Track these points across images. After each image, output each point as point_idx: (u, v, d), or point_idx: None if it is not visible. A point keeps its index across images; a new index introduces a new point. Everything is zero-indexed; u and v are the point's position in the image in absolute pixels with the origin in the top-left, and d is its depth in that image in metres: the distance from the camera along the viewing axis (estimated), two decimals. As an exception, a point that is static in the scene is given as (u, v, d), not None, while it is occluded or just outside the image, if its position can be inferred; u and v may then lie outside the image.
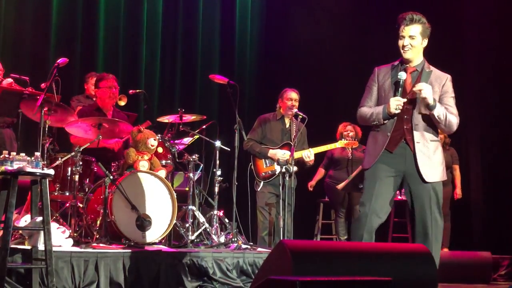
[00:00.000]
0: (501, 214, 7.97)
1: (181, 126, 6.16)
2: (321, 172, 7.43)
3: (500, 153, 8.12)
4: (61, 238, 4.71)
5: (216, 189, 5.98)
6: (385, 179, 4.01)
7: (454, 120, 4.03)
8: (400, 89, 3.96)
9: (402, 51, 4.06)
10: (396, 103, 3.94)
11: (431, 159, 3.98)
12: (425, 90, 3.91)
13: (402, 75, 3.97)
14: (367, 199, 4.02)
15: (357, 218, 4.14)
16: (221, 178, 6.03)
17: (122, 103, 6.42)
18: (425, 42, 4.08)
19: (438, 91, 4.05)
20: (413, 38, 4.01)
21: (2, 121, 6.14)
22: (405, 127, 4.00)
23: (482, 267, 6.72)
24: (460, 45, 8.67)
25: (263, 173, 6.04)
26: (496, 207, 8.05)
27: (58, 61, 5.40)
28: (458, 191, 7.54)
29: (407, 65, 4.10)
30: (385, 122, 4.01)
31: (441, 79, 4.09)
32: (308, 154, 5.95)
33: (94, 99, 6.51)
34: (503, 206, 7.98)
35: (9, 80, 6.15)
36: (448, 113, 4.00)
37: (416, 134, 3.98)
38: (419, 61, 4.10)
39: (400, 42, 4.06)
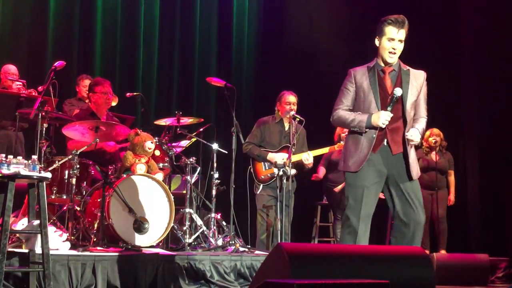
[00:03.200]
0: (499, 216, 7.97)
1: (178, 129, 6.15)
2: (322, 170, 7.31)
3: (497, 155, 8.12)
4: (58, 242, 4.71)
5: (214, 192, 5.97)
6: (371, 187, 3.95)
7: (424, 126, 4.09)
8: (392, 104, 3.89)
9: (388, 54, 3.97)
10: (386, 118, 3.87)
11: (411, 157, 4.00)
12: (416, 139, 3.95)
13: (398, 91, 3.89)
14: (355, 209, 3.94)
15: (345, 228, 4.00)
16: (219, 181, 6.02)
17: (113, 103, 6.41)
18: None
19: (416, 91, 4.03)
20: (401, 42, 3.99)
21: (11, 125, 6.12)
22: (388, 128, 3.94)
23: (480, 269, 6.72)
24: (457, 47, 8.67)
25: (263, 176, 6.04)
26: (494, 209, 8.05)
27: (55, 64, 5.41)
28: (452, 197, 7.53)
29: (384, 66, 4.04)
30: (366, 130, 3.94)
31: (419, 78, 4.07)
32: (307, 157, 5.95)
33: (86, 101, 6.52)
34: (500, 208, 7.98)
35: (19, 84, 6.16)
36: (422, 127, 4.04)
37: (402, 134, 3.96)
38: (395, 61, 4.05)
39: (389, 45, 3.97)
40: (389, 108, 3.89)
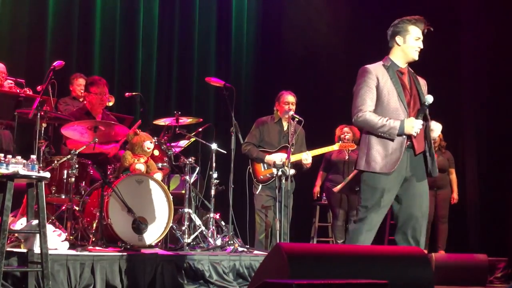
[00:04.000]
0: (498, 217, 7.97)
1: (177, 129, 6.15)
2: (322, 176, 7.42)
3: (496, 155, 8.12)
4: (57, 241, 4.71)
5: (213, 192, 5.97)
6: (392, 190, 3.88)
7: None
8: (422, 112, 3.85)
9: (415, 52, 3.98)
10: (419, 127, 3.81)
11: (432, 154, 3.99)
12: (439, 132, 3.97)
13: (429, 99, 3.85)
14: (374, 214, 3.86)
15: (358, 226, 3.91)
16: (218, 181, 6.02)
17: (110, 103, 6.41)
18: None
19: (425, 92, 4.06)
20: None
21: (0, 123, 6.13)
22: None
23: (478, 270, 6.72)
24: (456, 47, 8.67)
25: (262, 176, 6.03)
26: (493, 209, 8.05)
27: (54, 64, 5.40)
28: (455, 195, 7.53)
29: (401, 67, 4.02)
30: (394, 139, 3.83)
31: (423, 83, 4.12)
32: (306, 157, 5.95)
33: (81, 99, 6.52)
34: (499, 209, 7.98)
35: (10, 82, 6.14)
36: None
37: (424, 133, 3.93)
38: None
39: (416, 43, 3.96)
40: (420, 117, 3.85)
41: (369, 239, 3.89)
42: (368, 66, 4.01)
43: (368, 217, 3.87)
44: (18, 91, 6.05)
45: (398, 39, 3.99)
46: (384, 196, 3.86)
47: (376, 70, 3.96)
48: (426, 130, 3.95)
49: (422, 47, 3.99)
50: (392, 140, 3.85)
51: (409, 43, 3.98)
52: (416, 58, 3.99)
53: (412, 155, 3.93)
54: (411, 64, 4.11)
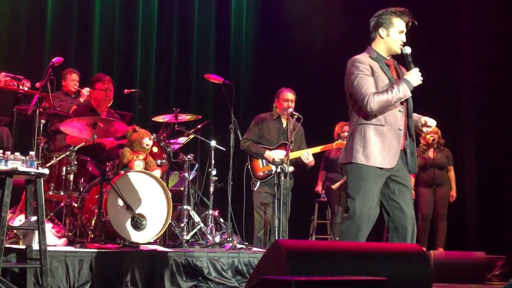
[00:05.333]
0: (496, 215, 7.98)
1: (176, 126, 6.15)
2: (323, 175, 7.44)
3: (495, 153, 8.13)
4: (55, 238, 4.70)
5: (211, 189, 5.97)
6: (382, 182, 3.84)
7: None
8: (411, 63, 3.83)
9: (398, 45, 3.91)
10: (420, 73, 3.79)
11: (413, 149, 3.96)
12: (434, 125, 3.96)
13: (407, 49, 3.84)
14: (369, 206, 3.77)
15: (352, 221, 3.80)
16: (216, 178, 6.03)
17: None
18: None
19: None
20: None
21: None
22: (404, 120, 3.88)
23: (477, 267, 6.74)
24: (455, 44, 8.67)
25: (260, 173, 6.02)
26: (491, 207, 8.06)
27: (53, 60, 5.39)
28: (453, 193, 7.54)
29: (387, 59, 3.97)
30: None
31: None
32: (307, 156, 5.93)
33: (73, 96, 6.54)
34: (497, 206, 7.99)
35: (5, 75, 6.11)
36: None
37: (404, 128, 3.88)
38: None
39: (399, 36, 3.90)
40: (412, 66, 3.83)
41: (362, 234, 3.80)
42: (357, 56, 3.96)
43: (361, 210, 3.78)
44: (15, 84, 6.03)
45: (382, 31, 3.93)
46: (378, 189, 3.81)
47: (365, 59, 3.92)
48: (410, 125, 3.90)
49: (405, 40, 3.91)
50: (385, 128, 3.79)
51: (392, 36, 3.92)
52: (399, 52, 3.91)
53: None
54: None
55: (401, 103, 3.84)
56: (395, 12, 3.92)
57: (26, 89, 6.05)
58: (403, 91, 3.75)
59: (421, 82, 3.79)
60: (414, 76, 3.78)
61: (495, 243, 7.67)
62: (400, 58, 4.05)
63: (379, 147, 3.80)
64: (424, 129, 3.98)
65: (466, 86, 8.55)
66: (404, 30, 3.93)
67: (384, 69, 3.89)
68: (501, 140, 8.05)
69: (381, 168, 3.78)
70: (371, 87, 3.81)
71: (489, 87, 8.28)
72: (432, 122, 3.97)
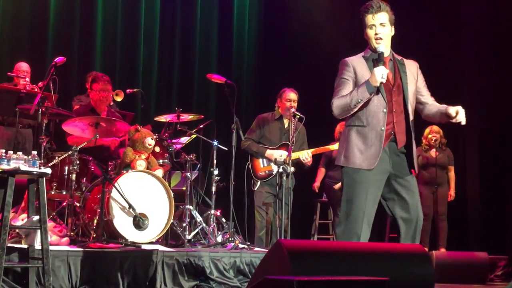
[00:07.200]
0: (498, 215, 7.97)
1: (178, 126, 6.15)
2: (322, 172, 7.39)
3: (497, 153, 8.11)
4: (58, 237, 4.71)
5: (213, 189, 5.97)
6: (376, 183, 3.77)
7: None
8: (381, 61, 3.74)
9: (374, 41, 3.82)
10: (383, 72, 3.65)
11: (414, 149, 3.88)
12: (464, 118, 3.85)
13: (381, 47, 3.75)
14: (359, 208, 3.71)
15: (346, 226, 3.75)
16: (218, 178, 6.02)
17: (119, 98, 6.40)
18: (393, 30, 3.92)
19: (414, 79, 3.91)
20: (384, 26, 3.83)
21: (24, 122, 6.10)
22: (394, 120, 3.80)
23: (479, 268, 6.72)
24: (458, 44, 8.66)
25: (261, 173, 6.02)
26: (493, 207, 8.05)
27: (55, 60, 5.40)
28: (452, 193, 7.53)
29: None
30: (371, 95, 3.69)
31: (413, 66, 3.96)
32: (306, 156, 5.91)
33: None
34: (500, 207, 7.98)
35: (25, 81, 6.14)
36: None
37: (410, 126, 3.83)
38: (389, 50, 3.92)
39: (371, 32, 3.83)
40: (380, 64, 3.72)
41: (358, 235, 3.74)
42: (346, 58, 3.93)
43: (351, 212, 3.73)
44: (28, 88, 6.03)
45: (364, 31, 3.91)
46: (368, 190, 3.74)
47: (353, 62, 3.88)
48: (409, 123, 3.85)
49: (379, 32, 3.82)
50: (367, 128, 3.74)
51: (368, 34, 3.87)
52: (378, 47, 3.80)
53: (395, 148, 3.82)
54: (412, 54, 4.01)
55: (386, 103, 3.77)
56: (363, 9, 3.88)
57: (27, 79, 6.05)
58: (361, 94, 3.70)
59: (383, 80, 3.68)
60: (373, 76, 3.69)
61: (497, 244, 7.66)
62: (405, 51, 4.01)
63: (360, 148, 3.77)
64: (454, 120, 3.88)
65: (469, 85, 8.53)
66: (374, 23, 3.84)
67: (372, 69, 3.80)
68: (503, 140, 8.04)
69: (370, 170, 3.74)
70: (341, 91, 3.80)
71: (492, 86, 8.26)
72: (453, 111, 3.85)
